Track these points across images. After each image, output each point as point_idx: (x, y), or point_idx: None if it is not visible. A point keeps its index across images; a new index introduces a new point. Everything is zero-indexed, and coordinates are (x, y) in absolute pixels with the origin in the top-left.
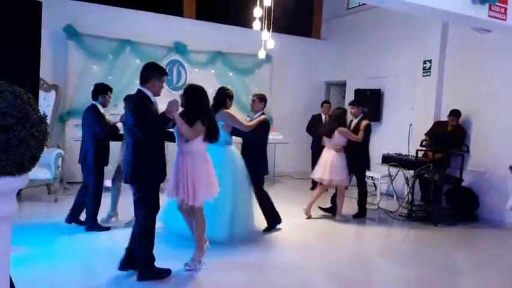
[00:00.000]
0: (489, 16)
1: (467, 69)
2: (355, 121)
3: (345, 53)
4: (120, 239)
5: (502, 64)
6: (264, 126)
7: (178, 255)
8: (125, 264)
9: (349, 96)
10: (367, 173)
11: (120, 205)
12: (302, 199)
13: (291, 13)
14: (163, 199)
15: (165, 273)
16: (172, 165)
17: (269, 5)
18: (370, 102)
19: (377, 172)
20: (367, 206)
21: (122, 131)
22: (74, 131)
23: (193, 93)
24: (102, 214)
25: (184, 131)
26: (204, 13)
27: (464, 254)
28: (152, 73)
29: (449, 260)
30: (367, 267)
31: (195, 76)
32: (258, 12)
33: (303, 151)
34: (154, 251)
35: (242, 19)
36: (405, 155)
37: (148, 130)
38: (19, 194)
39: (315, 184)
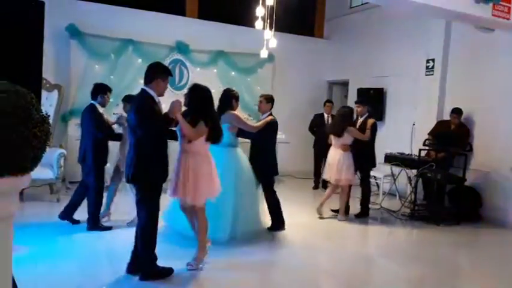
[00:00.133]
0: (493, 15)
1: (470, 69)
2: (360, 120)
3: (348, 52)
4: (122, 238)
5: (505, 63)
6: (271, 127)
7: (181, 255)
8: (132, 267)
9: (352, 95)
10: (370, 172)
11: (120, 205)
12: (304, 199)
13: (294, 12)
14: (167, 199)
15: (167, 272)
16: (174, 164)
17: (271, 4)
18: (373, 102)
19: (380, 171)
20: (370, 206)
21: (118, 131)
22: (76, 131)
23: (198, 94)
24: None
25: (186, 131)
26: (206, 12)
27: (467, 253)
28: (157, 73)
29: (452, 259)
30: (369, 266)
31: (197, 75)
32: (260, 11)
33: (305, 150)
34: (158, 250)
35: (244, 18)
36: (408, 154)
37: (151, 130)
38: (21, 193)
39: (317, 184)
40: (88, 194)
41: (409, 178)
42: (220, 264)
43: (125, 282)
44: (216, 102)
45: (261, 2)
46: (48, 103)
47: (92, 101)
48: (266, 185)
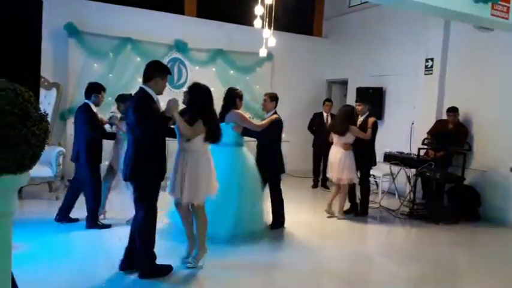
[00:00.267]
0: (491, 15)
1: (469, 68)
2: (361, 118)
3: (347, 51)
4: (121, 236)
5: (505, 63)
6: (276, 125)
7: (183, 252)
8: (125, 264)
9: (351, 94)
10: (370, 171)
11: (117, 203)
12: (303, 197)
13: (293, 11)
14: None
15: (166, 270)
16: (172, 162)
17: (270, 2)
18: (372, 101)
19: (379, 170)
20: (369, 205)
21: (110, 131)
22: None
23: (198, 92)
24: None
25: (183, 129)
26: (205, 11)
27: (467, 252)
28: (156, 72)
29: (451, 258)
30: (368, 265)
31: (195, 74)
32: (259, 10)
33: (304, 149)
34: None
35: (243, 17)
36: (407, 153)
37: (149, 129)
38: (20, 191)
39: (316, 182)
40: (85, 191)
41: (408, 177)
42: (220, 263)
43: (123, 280)
44: (216, 101)
45: (259, 0)
46: (47, 101)
47: (86, 100)
48: (273, 183)
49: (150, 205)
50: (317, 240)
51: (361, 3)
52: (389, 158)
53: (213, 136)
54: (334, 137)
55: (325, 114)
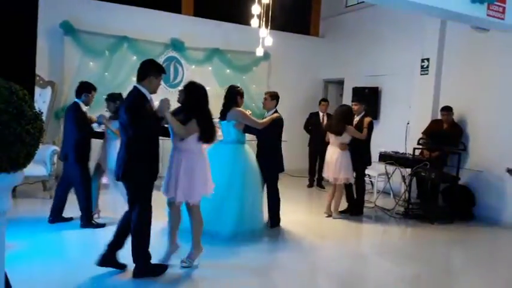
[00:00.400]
0: (487, 15)
1: (465, 68)
2: (357, 118)
3: (343, 50)
4: None
5: (500, 63)
6: (277, 124)
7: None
8: (103, 261)
9: (347, 94)
10: (365, 171)
11: (111, 203)
12: (299, 197)
13: (289, 10)
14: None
15: (160, 270)
16: (167, 162)
17: (267, 2)
18: (368, 100)
19: (374, 170)
20: (364, 204)
21: (97, 130)
22: None
23: (193, 92)
24: None
25: (176, 129)
26: (202, 10)
27: (461, 252)
28: (150, 71)
29: (446, 258)
30: (363, 264)
31: (192, 73)
32: (256, 9)
33: (300, 149)
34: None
35: (240, 16)
36: (402, 153)
37: (141, 129)
38: (14, 190)
39: (312, 182)
40: (76, 191)
41: (403, 177)
42: (214, 263)
43: (117, 280)
44: (212, 101)
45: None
46: (42, 100)
47: (76, 99)
48: (271, 182)
49: (144, 205)
50: (312, 239)
51: (357, 3)
52: (384, 157)
53: (207, 136)
54: (331, 137)
55: (321, 114)
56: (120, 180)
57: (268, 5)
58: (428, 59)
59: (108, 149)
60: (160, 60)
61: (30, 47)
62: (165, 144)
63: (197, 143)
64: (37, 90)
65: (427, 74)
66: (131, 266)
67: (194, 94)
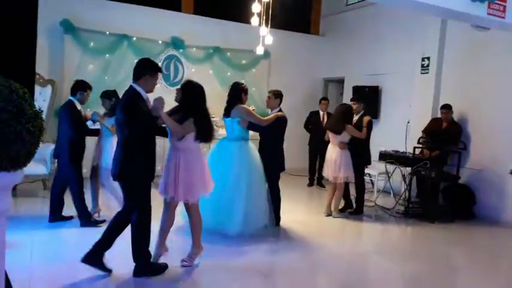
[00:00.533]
0: (488, 14)
1: (465, 67)
2: (356, 117)
3: (344, 49)
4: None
5: (501, 62)
6: (280, 123)
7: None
8: (88, 259)
9: (347, 93)
10: (365, 170)
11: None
12: (299, 196)
13: (290, 9)
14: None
15: (160, 269)
16: (164, 161)
17: (267, 0)
18: (368, 99)
19: (374, 169)
20: (364, 203)
21: (92, 127)
22: None
23: (190, 91)
24: None
25: (172, 128)
26: (202, 8)
27: (461, 251)
28: (145, 70)
29: (446, 257)
30: (364, 263)
31: (192, 72)
32: (256, 7)
33: (300, 148)
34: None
35: (240, 15)
36: (402, 152)
37: (137, 128)
38: (14, 189)
39: (312, 181)
40: (71, 189)
41: (404, 176)
42: (214, 263)
43: (118, 278)
44: (211, 99)
45: None
46: (42, 98)
47: (71, 98)
48: (272, 180)
49: (142, 205)
50: (312, 238)
51: (358, 2)
52: (384, 156)
53: (204, 135)
54: (331, 136)
55: (321, 113)
56: (116, 179)
57: (268, 4)
58: (428, 58)
59: (103, 146)
60: (161, 58)
61: (30, 45)
62: (166, 144)
63: (195, 141)
64: (37, 88)
65: (427, 72)
66: (131, 265)
67: (191, 93)
